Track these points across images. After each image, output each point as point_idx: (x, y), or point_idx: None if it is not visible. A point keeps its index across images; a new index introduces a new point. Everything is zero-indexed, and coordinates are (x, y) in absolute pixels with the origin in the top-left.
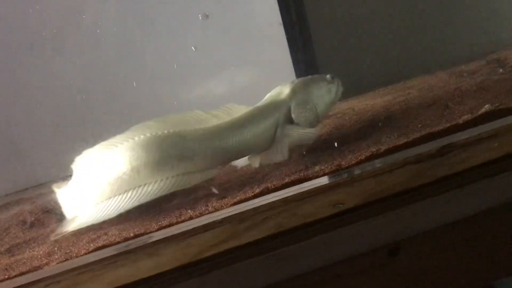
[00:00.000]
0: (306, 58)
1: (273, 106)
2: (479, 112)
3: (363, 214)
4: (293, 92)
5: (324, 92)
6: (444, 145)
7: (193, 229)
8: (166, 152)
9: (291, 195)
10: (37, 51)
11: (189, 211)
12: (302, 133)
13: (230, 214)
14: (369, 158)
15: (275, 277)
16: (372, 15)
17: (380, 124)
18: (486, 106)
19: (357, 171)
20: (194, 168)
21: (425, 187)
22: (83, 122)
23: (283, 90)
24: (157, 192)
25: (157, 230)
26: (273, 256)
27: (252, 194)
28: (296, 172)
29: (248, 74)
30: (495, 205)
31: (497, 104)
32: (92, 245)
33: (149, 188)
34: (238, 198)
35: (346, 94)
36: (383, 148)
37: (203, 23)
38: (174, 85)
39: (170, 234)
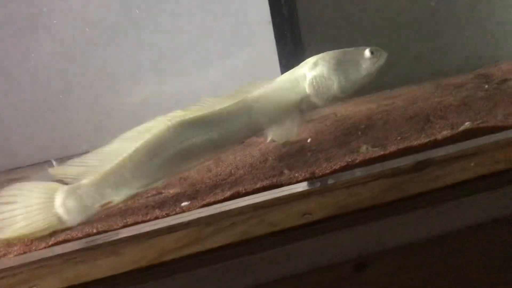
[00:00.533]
0: (294, 59)
1: (292, 78)
2: (459, 129)
3: (331, 227)
4: (315, 63)
5: (351, 67)
6: (420, 160)
7: (157, 230)
8: (193, 135)
9: (261, 201)
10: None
11: (156, 210)
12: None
13: (197, 216)
14: (344, 168)
15: (237, 285)
16: (364, 17)
17: (359, 133)
18: (467, 123)
19: (330, 181)
20: (221, 144)
21: (397, 203)
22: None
23: (308, 61)
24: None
25: (121, 228)
26: (237, 264)
27: (222, 197)
28: (269, 177)
29: (233, 71)
30: (466, 226)
31: (478, 122)
32: (53, 239)
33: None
34: (207, 200)
35: None
36: (359, 159)
37: (191, 18)
38: (157, 77)
39: (133, 233)
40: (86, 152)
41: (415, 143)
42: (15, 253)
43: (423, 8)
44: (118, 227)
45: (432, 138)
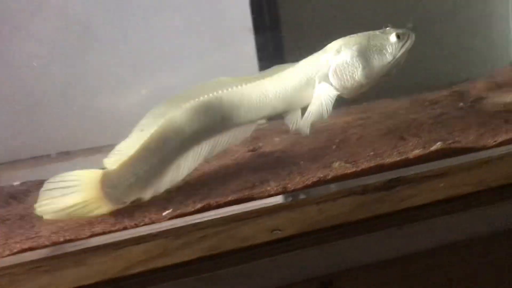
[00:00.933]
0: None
1: (313, 64)
2: (431, 149)
3: (300, 244)
4: (338, 50)
5: (377, 52)
6: (391, 178)
7: (125, 240)
8: (209, 116)
9: (232, 215)
10: None
11: (126, 219)
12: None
13: (167, 228)
14: (315, 184)
15: None
16: (347, 26)
17: (334, 147)
18: (438, 143)
19: (302, 196)
20: (236, 125)
21: (366, 222)
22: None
23: (332, 47)
24: (209, 153)
25: (88, 237)
26: (205, 278)
27: (193, 209)
28: (242, 190)
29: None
30: (433, 246)
31: (450, 142)
32: (18, 246)
33: (202, 150)
34: (178, 211)
35: None
36: (331, 174)
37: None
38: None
39: (100, 243)
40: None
41: (387, 161)
42: None
43: (405, 21)
44: (85, 236)
45: (404, 156)
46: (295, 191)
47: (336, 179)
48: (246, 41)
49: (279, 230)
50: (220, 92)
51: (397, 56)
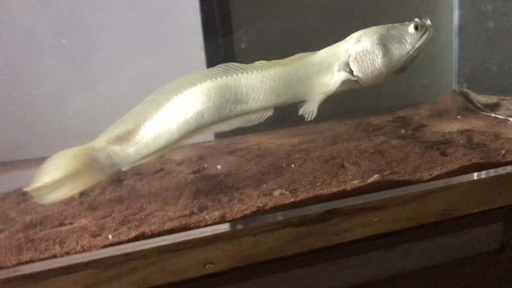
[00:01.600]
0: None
1: (332, 52)
2: (368, 181)
3: (232, 278)
4: (358, 39)
5: (396, 42)
6: (327, 210)
7: (53, 269)
8: (224, 97)
9: (166, 245)
10: None
11: (56, 246)
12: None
13: (98, 257)
14: (254, 214)
15: None
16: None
17: (277, 172)
18: (375, 176)
19: (239, 226)
20: (250, 110)
21: (300, 256)
22: None
23: (352, 36)
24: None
25: (14, 266)
26: None
27: (127, 238)
28: (179, 217)
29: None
30: (365, 281)
31: (387, 173)
32: None
33: (209, 128)
34: (111, 240)
35: (259, 127)
36: (270, 204)
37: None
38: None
39: (26, 272)
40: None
41: (325, 192)
42: None
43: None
44: (11, 264)
45: (341, 188)
46: (233, 221)
47: (275, 209)
48: (197, 58)
49: (212, 264)
50: (239, 74)
51: (416, 46)
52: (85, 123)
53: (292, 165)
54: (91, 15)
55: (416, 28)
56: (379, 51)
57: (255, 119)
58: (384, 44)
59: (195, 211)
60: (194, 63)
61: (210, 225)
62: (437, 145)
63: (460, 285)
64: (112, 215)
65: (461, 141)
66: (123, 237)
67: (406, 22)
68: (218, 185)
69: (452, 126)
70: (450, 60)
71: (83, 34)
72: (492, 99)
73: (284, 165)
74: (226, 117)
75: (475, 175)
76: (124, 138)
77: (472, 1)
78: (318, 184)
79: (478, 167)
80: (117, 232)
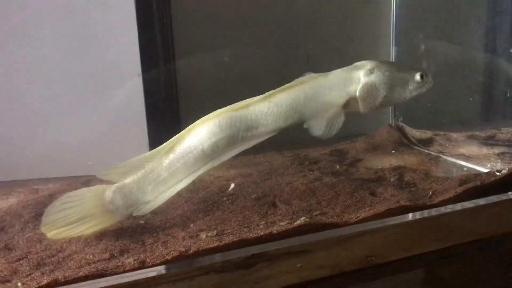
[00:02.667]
0: (162, 113)
1: (347, 77)
2: (295, 223)
3: None
4: (371, 70)
5: (400, 85)
6: (252, 254)
7: None
8: (235, 126)
9: None
10: None
11: None
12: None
13: None
14: (176, 259)
15: None
16: (241, 77)
17: (207, 210)
18: (302, 218)
19: (158, 273)
20: (261, 134)
21: None
22: None
23: (366, 65)
24: (229, 157)
25: None
26: None
27: (38, 285)
28: (97, 261)
29: (98, 121)
30: None
31: (316, 213)
32: None
33: (224, 156)
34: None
35: None
36: (193, 248)
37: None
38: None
39: None
40: None
41: (251, 234)
42: None
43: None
44: None
45: (268, 230)
46: (153, 267)
47: (198, 253)
48: (134, 85)
49: None
50: (246, 102)
51: (413, 95)
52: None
53: (224, 203)
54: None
55: (421, 77)
56: (383, 91)
57: (264, 140)
58: (390, 85)
59: (116, 254)
60: (130, 91)
61: (128, 271)
62: (368, 184)
63: None
64: (28, 257)
65: (392, 179)
66: (34, 285)
67: (415, 68)
68: (144, 225)
69: (386, 162)
70: None
71: None
72: (426, 134)
73: (215, 202)
74: (239, 143)
75: (401, 218)
76: (141, 176)
77: (407, 40)
78: (246, 225)
79: (405, 210)
80: (29, 277)
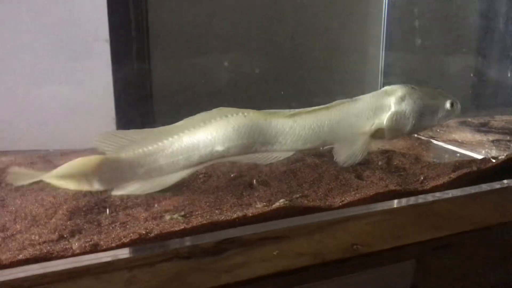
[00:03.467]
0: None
1: (377, 105)
2: (273, 206)
3: None
4: (402, 98)
5: (430, 113)
6: (223, 239)
7: None
8: (253, 137)
9: (17, 279)
10: None
11: None
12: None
13: None
14: (134, 242)
15: None
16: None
17: (175, 190)
18: (281, 200)
19: (113, 258)
20: (275, 150)
21: None
22: None
23: (397, 91)
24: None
25: None
26: None
27: None
28: (43, 243)
29: (65, 88)
30: None
31: (296, 196)
32: None
33: (228, 158)
34: None
35: None
36: (155, 230)
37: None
38: None
39: None
40: None
41: (223, 217)
42: None
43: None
44: None
45: (243, 213)
46: (107, 251)
47: (161, 237)
48: (101, 51)
49: None
50: (271, 114)
51: (440, 123)
52: None
53: (195, 181)
54: None
55: (451, 105)
56: (413, 119)
57: (274, 158)
58: (421, 113)
59: (65, 235)
60: (97, 57)
61: (77, 255)
62: (353, 166)
63: None
64: None
65: (380, 163)
66: None
67: (446, 95)
68: (103, 203)
69: (373, 145)
70: (376, 75)
71: None
72: None
73: (186, 181)
74: (249, 154)
75: (390, 204)
76: (137, 156)
77: (400, 18)
78: (218, 207)
79: (394, 195)
80: None
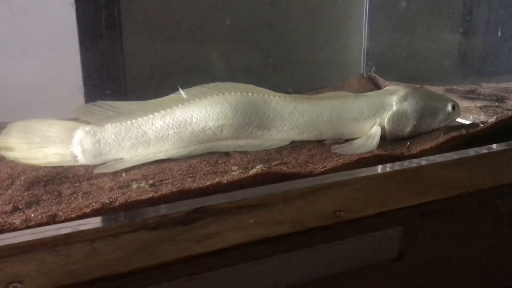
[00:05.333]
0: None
1: (377, 103)
2: (250, 173)
3: None
4: (404, 97)
5: (431, 115)
6: (196, 208)
7: None
8: (249, 118)
9: None
10: None
11: None
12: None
13: None
14: (96, 212)
15: None
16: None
17: None
18: (259, 166)
19: (71, 229)
20: (268, 138)
21: (147, 271)
22: None
23: (399, 91)
24: (226, 148)
25: None
26: None
27: None
28: None
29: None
30: None
31: (275, 163)
32: None
33: (224, 144)
34: None
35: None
36: (120, 199)
37: None
38: None
39: None
40: None
41: (194, 185)
42: None
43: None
44: None
45: (216, 180)
46: (66, 221)
47: (127, 206)
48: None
49: (20, 282)
50: (271, 96)
51: (440, 126)
52: None
53: None
54: None
55: (453, 108)
56: (413, 120)
57: (268, 146)
58: (421, 114)
59: (21, 207)
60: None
61: (32, 227)
62: None
63: None
64: None
65: None
66: None
67: (447, 98)
68: (66, 173)
69: None
70: (359, 41)
71: None
72: None
73: None
74: (243, 138)
75: (374, 169)
76: (124, 128)
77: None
78: (190, 175)
79: (379, 160)
80: None
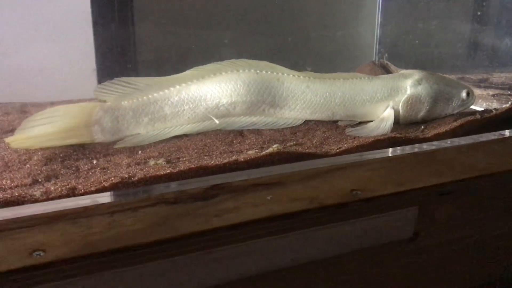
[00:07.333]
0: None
1: (391, 86)
2: (266, 151)
3: (71, 271)
4: (419, 81)
5: (445, 100)
6: (213, 185)
7: None
8: (262, 96)
9: None
10: None
11: None
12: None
13: None
14: (115, 186)
15: None
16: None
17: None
18: (274, 146)
19: (92, 201)
20: (281, 116)
21: (167, 243)
22: None
23: (414, 75)
24: (239, 125)
25: None
26: None
27: None
28: (15, 187)
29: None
30: (251, 274)
31: (290, 144)
32: None
33: (237, 121)
34: None
35: None
36: (139, 175)
37: None
38: None
39: None
40: None
41: (212, 162)
42: None
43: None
44: None
45: (233, 158)
46: (85, 195)
47: (146, 181)
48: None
49: (43, 251)
50: (284, 74)
51: (454, 112)
52: None
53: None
54: None
55: (468, 94)
56: (427, 104)
57: (281, 125)
58: (435, 99)
59: (40, 180)
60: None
61: (52, 199)
62: None
63: (366, 277)
64: None
65: None
66: None
67: (462, 84)
68: (83, 149)
69: None
70: (372, 28)
71: None
72: None
73: None
74: (255, 116)
75: (389, 151)
76: (141, 104)
77: None
78: (207, 153)
79: (394, 142)
80: None
